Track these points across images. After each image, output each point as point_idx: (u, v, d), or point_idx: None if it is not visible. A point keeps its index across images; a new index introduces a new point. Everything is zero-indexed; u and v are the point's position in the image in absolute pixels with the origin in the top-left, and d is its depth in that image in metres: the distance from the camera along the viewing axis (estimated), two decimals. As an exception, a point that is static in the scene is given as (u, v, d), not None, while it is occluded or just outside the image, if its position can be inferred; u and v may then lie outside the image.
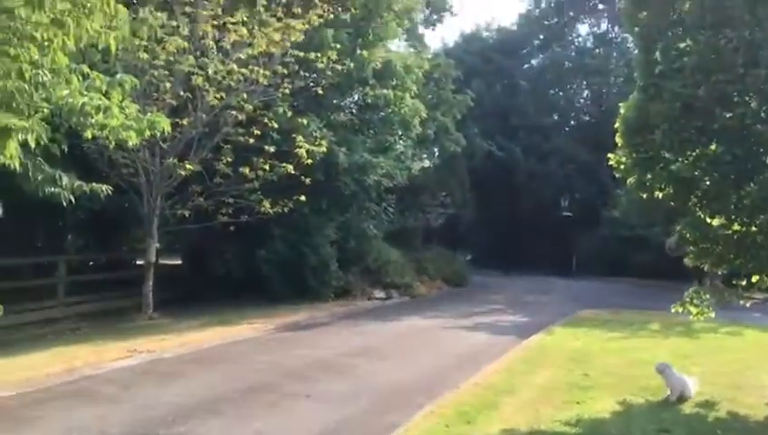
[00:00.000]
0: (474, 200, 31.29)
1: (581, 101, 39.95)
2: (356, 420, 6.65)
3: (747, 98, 6.97)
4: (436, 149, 25.92)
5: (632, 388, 7.78)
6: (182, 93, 12.59)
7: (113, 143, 8.46)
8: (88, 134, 7.14)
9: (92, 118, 6.86)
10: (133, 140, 7.56)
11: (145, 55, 11.73)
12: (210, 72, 12.57)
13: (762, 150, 6.96)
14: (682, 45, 7.57)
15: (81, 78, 6.47)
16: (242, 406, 7.03)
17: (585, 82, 38.88)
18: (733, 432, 6.07)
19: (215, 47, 12.82)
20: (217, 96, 12.70)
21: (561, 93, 38.90)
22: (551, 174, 33.62)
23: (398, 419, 6.60)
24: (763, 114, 6.95)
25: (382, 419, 6.67)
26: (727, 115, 6.96)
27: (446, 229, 30.66)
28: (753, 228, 7.36)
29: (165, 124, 7.94)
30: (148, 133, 7.94)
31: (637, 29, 8.14)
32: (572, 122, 38.95)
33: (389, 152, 18.43)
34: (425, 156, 24.20)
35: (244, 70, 12.69)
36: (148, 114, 8.11)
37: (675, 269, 8.62)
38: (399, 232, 23.29)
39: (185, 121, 12.62)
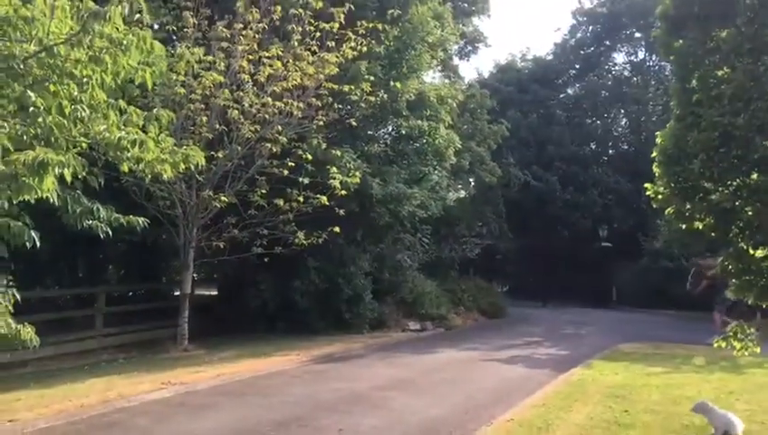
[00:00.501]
0: (511, 231, 31.01)
1: (619, 130, 39.54)
2: (388, 456, 6.53)
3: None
4: (471, 180, 25.83)
5: (675, 426, 7.50)
6: (218, 127, 12.82)
7: (149, 176, 8.64)
8: (124, 168, 7.27)
9: (128, 152, 6.98)
10: (168, 174, 7.69)
11: (182, 90, 11.99)
12: (245, 105, 12.78)
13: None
14: (720, 73, 7.48)
15: (118, 113, 6.61)
16: (273, 440, 6.97)
17: (623, 111, 38.52)
18: (782, 474, 5.78)
19: (250, 81, 13.04)
20: (252, 129, 12.89)
21: (598, 122, 38.56)
22: (589, 204, 33.20)
23: (431, 456, 6.48)
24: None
25: (415, 455, 6.54)
26: (767, 144, 6.78)
27: (482, 260, 30.31)
28: (798, 260, 7.14)
29: (199, 157, 8.05)
30: (183, 166, 8.06)
31: (673, 57, 8.07)
32: (611, 151, 38.51)
33: (424, 183, 18.43)
34: (460, 186, 24.14)
35: (278, 103, 12.86)
36: (184, 147, 8.24)
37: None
38: (435, 263, 23.14)
39: (220, 154, 12.81)
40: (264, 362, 12.00)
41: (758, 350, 7.92)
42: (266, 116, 12.99)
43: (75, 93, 5.99)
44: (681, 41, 7.89)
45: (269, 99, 12.81)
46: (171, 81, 11.90)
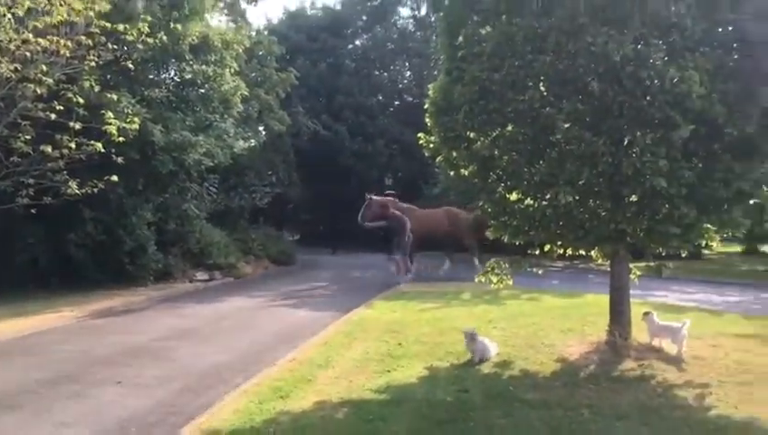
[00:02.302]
0: (301, 180, 31.35)
1: (405, 82, 41.10)
2: (168, 403, 6.50)
3: (535, 83, 7.59)
4: (261, 129, 25.60)
5: (441, 354, 8.28)
6: (-30, 64, 11.40)
7: None
8: None
9: None
10: None
11: None
12: (3, 41, 11.46)
13: (549, 132, 7.61)
14: (482, 32, 8.08)
15: None
16: (43, 398, 6.61)
17: (408, 64, 40.07)
18: (524, 387, 6.66)
19: (7, 14, 11.69)
20: (11, 68, 11.61)
21: (385, 74, 39.80)
22: (376, 154, 34.41)
23: (212, 399, 6.56)
24: (550, 98, 7.62)
25: (196, 400, 6.59)
26: (519, 98, 7.53)
27: (272, 209, 30.34)
28: (544, 202, 8.10)
29: (-55, 96, 7.17)
30: (-75, 106, 7.15)
31: (442, 14, 8.56)
32: (396, 103, 39.97)
33: (210, 131, 17.91)
34: (249, 135, 23.80)
35: (42, 40, 11.70)
36: (-74, 84, 7.30)
37: (490, 242, 9.28)
38: (224, 212, 22.81)
39: (-27, 94, 11.44)
40: (31, 320, 11.16)
41: (511, 282, 8.96)
42: (27, 54, 11.76)
43: None
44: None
45: (30, 35, 11.60)
46: None
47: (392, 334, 9.64)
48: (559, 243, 8.41)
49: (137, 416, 6.07)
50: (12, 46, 11.48)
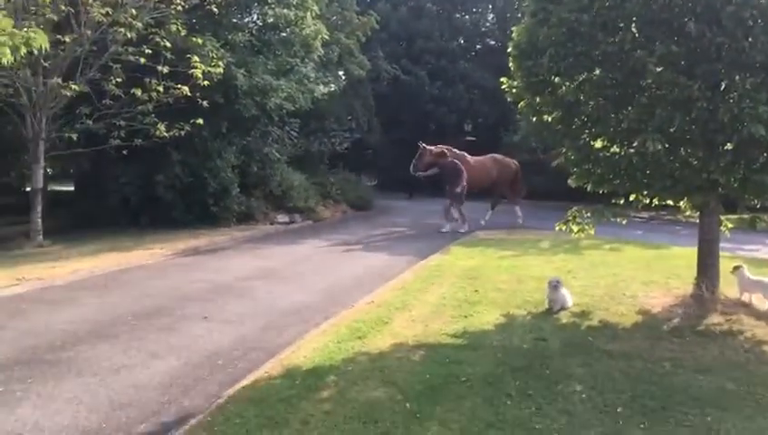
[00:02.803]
0: (380, 125, 31.31)
1: (487, 25, 40.07)
2: (251, 338, 6.76)
3: (626, 24, 7.23)
4: (341, 73, 25.61)
5: (517, 301, 8.23)
6: (63, 8, 11.81)
7: (-15, 61, 7.94)
8: (-46, 50, 6.68)
9: (-41, 31, 6.40)
10: (7, 58, 7.13)
11: (20, -35, 10.90)
12: (94, -16, 11.83)
13: (639, 76, 7.27)
14: (572, -30, 7.73)
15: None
16: (135, 330, 7.00)
17: (491, 6, 38.94)
18: (603, 338, 6.55)
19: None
20: (102, 11, 11.99)
21: (467, 17, 38.86)
22: (456, 99, 33.92)
23: (292, 337, 6.78)
24: (641, 40, 7.25)
25: (277, 338, 6.82)
26: (609, 41, 7.21)
27: (351, 154, 30.56)
28: (630, 150, 7.80)
29: (42, 41, 7.49)
30: (24, 50, 7.49)
31: (529, -46, 8.22)
32: (478, 47, 39.10)
33: (291, 75, 18.06)
34: (329, 79, 23.85)
35: (131, -17, 12.02)
36: (25, 29, 7.61)
37: (572, 191, 9.02)
38: (304, 156, 23.12)
39: (68, 39, 11.89)
40: (125, 256, 11.77)
41: (592, 232, 8.74)
42: (118, -2, 12.12)
43: None
44: (538, -64, 8.05)
45: (120, -22, 11.93)
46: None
47: (469, 281, 9.64)
48: (645, 193, 8.11)
49: (222, 350, 6.34)
50: (103, -10, 11.81)
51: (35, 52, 8.13)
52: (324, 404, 4.82)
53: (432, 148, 18.73)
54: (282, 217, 18.48)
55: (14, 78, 11.92)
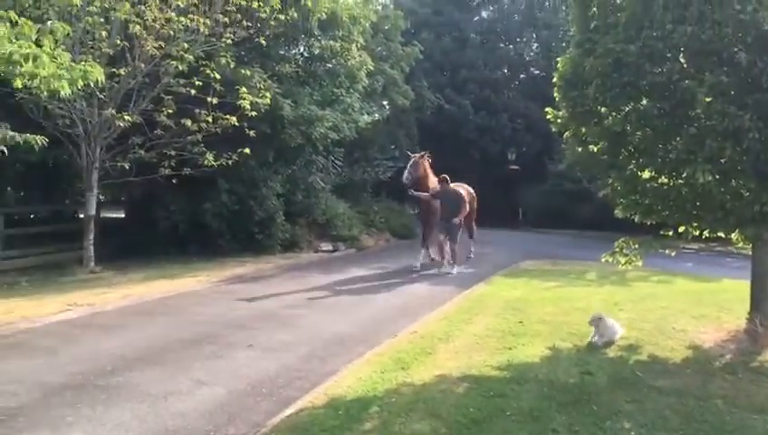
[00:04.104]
0: (422, 154, 31.37)
1: (531, 54, 40.08)
2: (295, 368, 6.79)
3: (674, 54, 7.18)
4: (385, 103, 25.86)
5: (562, 334, 8.09)
6: (119, 42, 12.28)
7: (45, 93, 8.27)
8: (17, 83, 6.96)
9: (21, 67, 6.68)
10: (65, 90, 7.42)
11: (78, 1, 11.34)
12: (148, 20, 12.25)
13: (687, 106, 7.18)
14: (618, 1, 7.73)
15: (9, 24, 6.28)
16: (183, 356, 7.10)
17: (535, 36, 38.97)
18: (652, 373, 6.39)
19: (153, -6, 12.47)
20: (156, 45, 12.41)
21: (511, 47, 38.94)
22: (500, 128, 33.92)
23: (336, 367, 6.79)
24: (690, 70, 7.18)
25: (321, 367, 6.84)
26: (656, 71, 7.15)
27: (394, 183, 30.69)
28: (679, 181, 7.67)
29: (98, 74, 7.79)
30: (81, 83, 7.79)
31: (574, -17, 8.24)
32: (522, 76, 39.10)
33: (336, 105, 18.34)
34: (373, 109, 24.12)
35: (183, 18, 12.40)
36: (82, 63, 7.92)
37: (617, 221, 8.90)
38: (347, 185, 23.33)
39: (122, 71, 12.33)
40: (173, 283, 12.00)
41: (640, 263, 8.59)
42: (171, 32, 12.52)
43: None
44: (583, -33, 8.07)
45: (173, 14, 12.32)
46: (67, -9, 11.24)
47: (513, 312, 9.54)
48: (695, 224, 7.96)
49: (267, 378, 6.38)
50: (157, 25, 12.25)
51: (92, 84, 8.45)
52: (368, 436, 4.81)
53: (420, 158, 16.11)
54: (325, 246, 18.62)
55: (71, 109, 12.38)
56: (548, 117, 8.82)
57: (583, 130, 8.30)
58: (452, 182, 15.73)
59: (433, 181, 15.95)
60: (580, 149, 8.66)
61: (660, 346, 7.49)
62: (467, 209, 15.24)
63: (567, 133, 8.60)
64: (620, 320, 8.43)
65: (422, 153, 15.96)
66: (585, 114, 8.07)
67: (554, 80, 8.40)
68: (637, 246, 8.41)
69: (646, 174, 8.05)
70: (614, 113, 7.92)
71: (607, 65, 7.38)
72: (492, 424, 5.02)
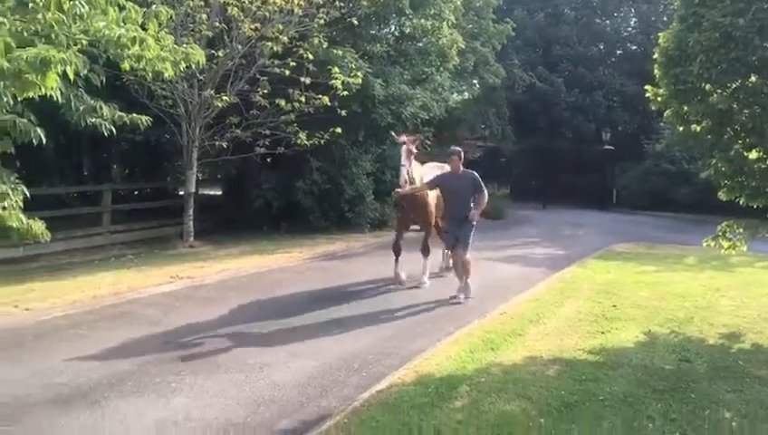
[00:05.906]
0: (514, 133, 30.86)
1: (629, 30, 38.44)
2: (385, 345, 6.89)
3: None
4: (475, 81, 25.53)
5: (659, 319, 7.86)
6: (217, 24, 12.67)
7: (150, 75, 8.64)
8: (125, 66, 7.28)
9: (129, 49, 6.98)
10: (169, 72, 7.69)
11: (180, -14, 11.78)
12: (245, 2, 12.57)
13: (801, 82, 6.76)
14: (726, -28, 7.32)
15: (117, 9, 6.57)
16: (278, 329, 7.35)
17: (633, 10, 37.34)
18: (756, 362, 6.13)
19: (249, -23, 12.76)
20: (252, 27, 12.73)
21: (607, 22, 37.50)
22: (594, 106, 32.83)
23: (425, 345, 6.85)
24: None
25: (410, 344, 6.91)
26: (766, 45, 6.75)
27: (484, 162, 30.42)
28: (790, 162, 7.25)
29: (200, 56, 8.03)
30: (183, 65, 8.06)
31: (679, -46, 7.86)
32: (618, 52, 37.57)
33: (427, 84, 18.26)
34: (463, 88, 23.85)
35: (279, 0, 12.64)
36: (184, 46, 8.21)
37: (719, 203, 8.47)
38: (438, 165, 23.22)
39: (220, 53, 12.73)
40: (267, 258, 12.38)
41: (744, 248, 8.18)
42: (267, 14, 12.80)
43: (73, -11, 5.95)
44: (689, -62, 7.68)
45: (269, -5, 12.58)
46: (169, -24, 11.67)
47: (606, 295, 9.32)
48: (807, 208, 7.52)
49: (357, 354, 6.51)
50: (253, 7, 12.54)
51: (193, 66, 8.75)
52: (457, 414, 4.85)
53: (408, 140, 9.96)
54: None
55: (173, 90, 12.90)
56: (647, 95, 8.47)
57: (685, 108, 7.93)
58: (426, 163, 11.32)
59: (420, 171, 10.68)
60: (681, 129, 8.29)
61: (765, 335, 7.17)
62: (486, 198, 9.95)
63: (667, 112, 8.24)
64: (722, 307, 8.10)
65: (414, 137, 10.25)
66: (688, 92, 7.71)
67: (655, 56, 8.06)
68: (741, 230, 8.01)
69: (753, 154, 7.63)
70: (720, 90, 7.53)
71: (713, 40, 7.02)
72: (584, 408, 4.95)
